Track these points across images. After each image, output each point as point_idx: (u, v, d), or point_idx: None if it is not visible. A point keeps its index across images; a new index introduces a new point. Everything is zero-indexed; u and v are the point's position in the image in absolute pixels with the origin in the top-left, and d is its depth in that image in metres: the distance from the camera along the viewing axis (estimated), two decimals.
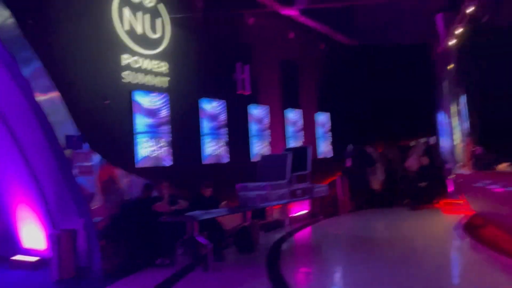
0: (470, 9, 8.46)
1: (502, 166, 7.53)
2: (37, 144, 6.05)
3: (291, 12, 10.97)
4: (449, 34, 10.78)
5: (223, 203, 7.02)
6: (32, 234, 6.93)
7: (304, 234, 8.93)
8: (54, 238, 5.93)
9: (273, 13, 10.58)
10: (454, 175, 9.79)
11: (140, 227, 6.38)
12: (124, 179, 6.61)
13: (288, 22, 11.19)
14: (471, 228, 7.91)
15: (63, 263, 5.92)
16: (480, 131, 10.98)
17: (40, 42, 5.68)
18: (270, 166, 7.62)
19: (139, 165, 6.98)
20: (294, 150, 7.90)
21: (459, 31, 9.72)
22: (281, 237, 8.23)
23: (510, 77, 10.89)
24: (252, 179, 7.66)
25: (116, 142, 6.74)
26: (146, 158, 7.12)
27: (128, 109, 6.94)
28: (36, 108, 5.56)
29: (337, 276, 5.91)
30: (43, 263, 6.58)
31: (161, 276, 5.78)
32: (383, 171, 12.71)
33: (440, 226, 8.97)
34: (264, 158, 7.91)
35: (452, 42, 10.48)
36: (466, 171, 8.16)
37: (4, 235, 7.41)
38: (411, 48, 12.73)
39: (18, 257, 6.87)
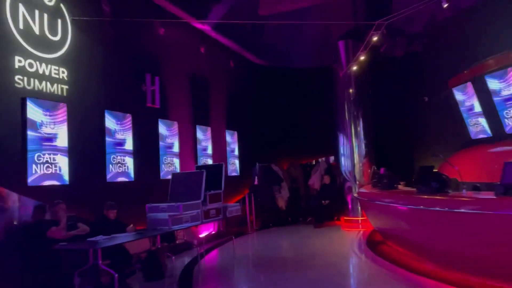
0: (371, 39, 9.09)
1: (399, 186, 8.11)
2: None
3: (203, 26, 10.78)
4: (350, 60, 11.50)
5: (130, 226, 6.40)
6: None
7: (214, 256, 8.58)
8: None
9: (185, 26, 10.28)
10: (356, 193, 10.32)
11: (31, 256, 5.48)
12: (11, 200, 5.66)
13: (200, 36, 10.97)
14: (372, 244, 8.35)
15: None
16: (376, 152, 11.81)
17: None
18: (183, 185, 7.21)
19: (31, 183, 6.06)
20: (207, 168, 7.61)
21: (360, 58, 10.40)
22: (190, 261, 7.79)
23: (402, 103, 11.98)
24: (161, 199, 7.17)
25: (2, 156, 5.78)
26: (40, 175, 6.23)
27: (19, 118, 6.02)
28: None
29: None
30: None
31: None
32: (288, 189, 13.00)
33: (343, 243, 9.31)
34: (176, 176, 7.47)
35: (353, 68, 11.18)
36: (367, 189, 8.62)
37: None
38: (316, 71, 13.38)
39: None
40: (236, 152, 12.53)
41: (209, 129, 11.06)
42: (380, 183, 7.97)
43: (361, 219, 11.09)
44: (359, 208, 11.22)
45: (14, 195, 5.72)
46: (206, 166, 8.01)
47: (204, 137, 10.81)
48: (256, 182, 12.36)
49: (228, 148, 12.11)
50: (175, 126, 9.57)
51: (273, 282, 6.23)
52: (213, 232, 10.35)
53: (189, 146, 10.22)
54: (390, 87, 11.88)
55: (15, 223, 5.66)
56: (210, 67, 11.39)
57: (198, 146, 10.55)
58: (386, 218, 7.36)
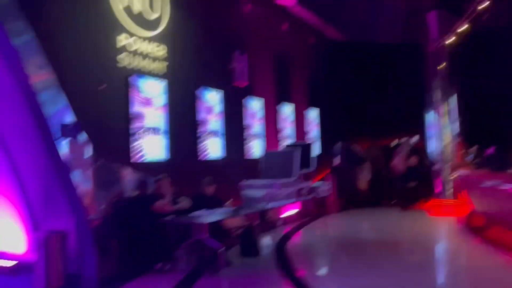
0: (475, 8, 8.30)
1: None
2: (21, 129, 5.21)
3: (285, 1, 10.49)
4: (442, 32, 10.68)
5: (228, 202, 6.43)
6: (7, 235, 6.04)
7: (302, 235, 8.47)
8: (41, 240, 5.12)
9: (269, 2, 10.08)
10: (453, 175, 9.68)
11: (138, 228, 5.67)
12: (119, 174, 5.88)
13: (282, 13, 10.72)
14: (475, 230, 7.77)
15: (51, 270, 5.13)
16: (469, 131, 10.99)
17: (31, 13, 4.86)
18: (275, 163, 7.11)
19: (135, 158, 6.27)
20: (297, 146, 7.43)
21: (455, 29, 9.59)
22: (281, 239, 7.75)
23: (500, 79, 10.96)
24: (249, 176, 7.15)
25: (111, 132, 6.01)
26: (143, 150, 6.42)
27: (124, 96, 6.21)
28: (25, 88, 4.74)
29: (362, 280, 5.43)
30: (21, 268, 5.74)
31: (166, 283, 5.14)
32: (370, 170, 12.53)
33: (437, 227, 8.82)
34: (268, 154, 7.39)
35: (447, 41, 10.37)
36: (469, 171, 8.00)
37: None
38: (402, 46, 12.64)
39: None
40: (317, 131, 12.27)
41: (291, 106, 10.88)
42: (486, 163, 7.34)
43: (452, 203, 10.42)
44: (450, 191, 10.55)
45: (121, 170, 5.93)
46: (298, 145, 7.84)
47: (286, 115, 10.66)
48: (337, 163, 12.04)
49: (309, 127, 11.87)
50: (261, 103, 9.49)
51: (371, 264, 5.94)
52: (294, 212, 10.24)
53: (272, 124, 10.13)
54: (487, 61, 10.88)
55: (122, 196, 5.88)
56: (292, 44, 11.15)
57: (281, 124, 10.43)
58: (495, 200, 6.75)
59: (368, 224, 9.80)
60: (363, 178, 12.35)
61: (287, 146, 8.02)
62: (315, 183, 7.48)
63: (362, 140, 13.30)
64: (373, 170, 12.67)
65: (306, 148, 7.51)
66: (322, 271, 6.26)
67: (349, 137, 12.75)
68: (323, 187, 7.70)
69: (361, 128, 13.33)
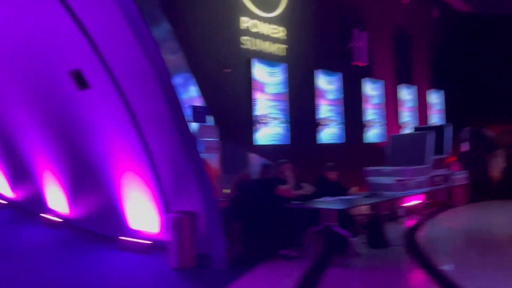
0: None
1: None
2: (155, 113, 5.42)
3: None
4: None
5: (354, 188, 6.05)
6: (142, 215, 6.42)
7: (433, 227, 7.70)
8: (174, 221, 5.31)
9: None
10: None
11: (264, 212, 5.59)
12: (244, 157, 5.85)
13: None
14: None
15: (183, 250, 5.29)
16: None
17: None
18: (404, 148, 6.55)
19: (257, 142, 6.21)
20: (431, 129, 6.74)
21: None
22: (410, 230, 7.13)
23: None
24: (369, 161, 6.67)
25: (235, 115, 6.00)
26: (265, 134, 6.33)
27: (247, 79, 6.16)
28: (161, 73, 4.88)
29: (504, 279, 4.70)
30: (155, 247, 6.06)
31: (294, 270, 4.97)
32: (504, 157, 11.10)
33: None
34: (395, 139, 6.83)
35: None
36: None
37: (110, 213, 7.02)
38: None
39: (127, 239, 6.41)
40: (441, 115, 11.19)
41: (412, 88, 10.02)
42: None
43: None
44: None
45: (245, 153, 5.90)
46: (429, 128, 7.13)
47: (407, 97, 9.85)
48: (465, 149, 10.85)
49: (433, 110, 10.87)
50: (380, 85, 8.87)
51: None
52: (418, 202, 9.45)
53: (392, 107, 9.43)
54: None
55: (246, 180, 5.84)
56: (414, 19, 10.23)
57: (402, 108, 9.67)
58: None
59: (504, 218, 8.63)
60: (496, 166, 10.98)
61: (417, 129, 7.34)
62: (451, 171, 6.72)
63: (494, 123, 11.87)
64: (507, 157, 11.25)
65: (440, 131, 6.80)
66: (460, 267, 5.58)
67: (479, 120, 11.47)
68: (459, 175, 6.91)
69: (493, 110, 11.89)
